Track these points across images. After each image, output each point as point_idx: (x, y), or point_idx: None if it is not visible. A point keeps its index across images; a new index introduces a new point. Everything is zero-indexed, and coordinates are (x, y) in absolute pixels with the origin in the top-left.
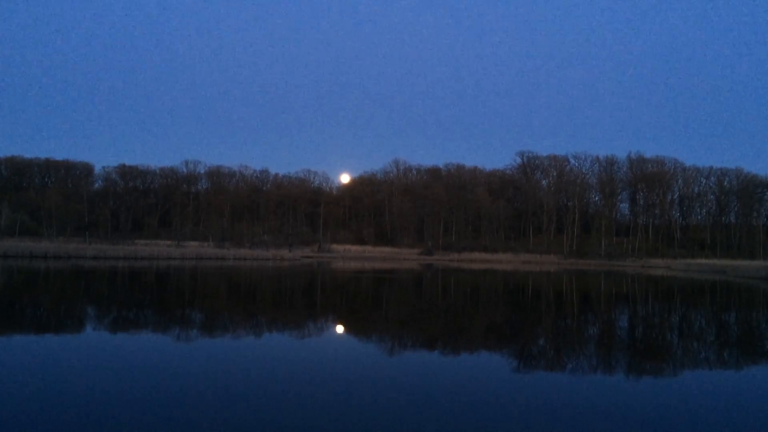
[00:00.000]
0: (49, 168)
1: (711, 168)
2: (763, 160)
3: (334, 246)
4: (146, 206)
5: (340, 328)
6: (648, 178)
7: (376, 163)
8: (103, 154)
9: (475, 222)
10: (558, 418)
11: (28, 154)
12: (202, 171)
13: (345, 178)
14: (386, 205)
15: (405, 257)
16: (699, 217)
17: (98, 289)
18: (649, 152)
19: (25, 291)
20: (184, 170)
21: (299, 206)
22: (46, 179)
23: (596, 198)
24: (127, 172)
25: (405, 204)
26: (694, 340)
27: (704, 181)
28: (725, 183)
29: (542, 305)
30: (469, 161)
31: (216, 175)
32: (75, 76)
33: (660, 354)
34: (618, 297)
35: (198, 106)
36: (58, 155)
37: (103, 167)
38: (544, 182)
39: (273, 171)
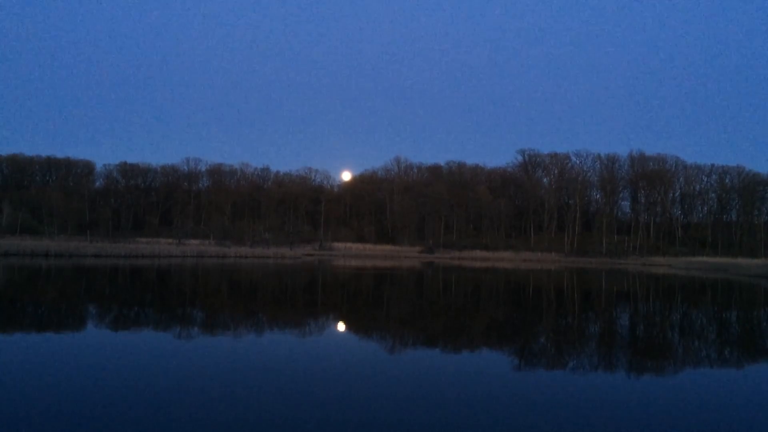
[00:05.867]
0: (51, 166)
1: (712, 166)
2: (765, 157)
3: (335, 244)
4: (147, 204)
5: (341, 326)
6: (649, 176)
7: (377, 161)
8: (104, 152)
9: (476, 220)
10: (559, 415)
11: (29, 152)
12: (203, 169)
13: (346, 176)
14: (387, 203)
15: (406, 255)
16: (700, 215)
17: (100, 288)
18: (651, 150)
19: (26, 289)
20: (185, 168)
21: (300, 204)
22: (48, 177)
23: (597, 196)
24: (128, 170)
25: (406, 202)
26: (695, 339)
27: (705, 179)
28: (726, 181)
29: (543, 303)
30: (470, 159)
31: (217, 173)
32: (76, 75)
33: (661, 352)
34: (619, 295)
35: (199, 104)
36: (60, 153)
37: (104, 165)
38: (545, 180)
39: (274, 169)
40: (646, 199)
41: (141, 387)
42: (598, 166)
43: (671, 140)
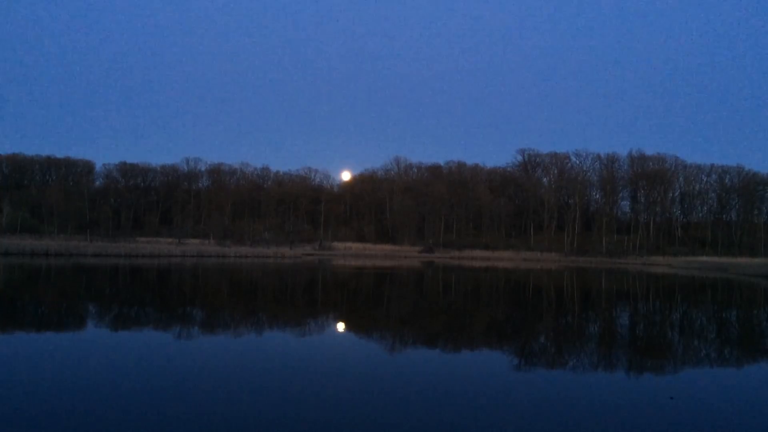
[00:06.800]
0: (50, 165)
1: (712, 165)
2: (764, 157)
3: (335, 244)
4: (147, 204)
5: (341, 326)
6: (649, 175)
7: (377, 160)
8: (104, 151)
9: (476, 220)
10: (559, 415)
11: (29, 151)
12: (203, 169)
13: (346, 176)
14: (387, 202)
15: (406, 255)
16: (700, 214)
17: (100, 287)
18: (650, 150)
19: (26, 288)
20: (185, 168)
21: (300, 204)
22: (47, 177)
23: (597, 196)
24: (128, 169)
25: (406, 201)
26: (694, 338)
27: (705, 179)
28: (726, 180)
29: (543, 303)
30: (470, 159)
31: (217, 172)
32: (76, 74)
33: (661, 352)
34: (619, 295)
35: (199, 104)
36: (59, 153)
37: (104, 165)
38: (545, 180)
39: (274, 169)
40: (646, 198)
41: (141, 386)
42: (598, 165)
43: (671, 140)
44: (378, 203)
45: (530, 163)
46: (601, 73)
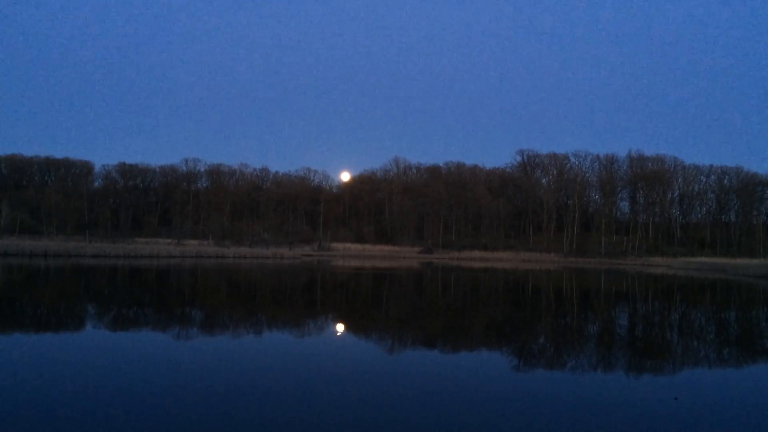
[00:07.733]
0: (49, 166)
1: (711, 166)
2: (764, 158)
3: (334, 244)
4: (146, 204)
5: (340, 326)
6: (648, 176)
7: (376, 161)
8: (102, 152)
9: (475, 220)
10: (559, 416)
11: (28, 152)
12: (202, 169)
13: (345, 177)
14: (386, 203)
15: (405, 256)
16: (699, 215)
17: (98, 288)
18: (649, 150)
19: (25, 289)
20: (184, 168)
21: (299, 204)
22: (46, 177)
23: (596, 196)
24: (127, 170)
25: (405, 202)
26: (693, 339)
27: (704, 180)
28: (725, 181)
29: (542, 303)
30: (469, 159)
31: (216, 173)
32: (75, 75)
33: (659, 352)
34: (618, 295)
35: (198, 105)
36: (58, 153)
37: (103, 165)
38: (544, 180)
39: (273, 169)
40: (645, 199)
41: (139, 388)
42: (597, 166)
43: (670, 141)
44: (377, 204)
45: (529, 163)
46: (601, 74)
